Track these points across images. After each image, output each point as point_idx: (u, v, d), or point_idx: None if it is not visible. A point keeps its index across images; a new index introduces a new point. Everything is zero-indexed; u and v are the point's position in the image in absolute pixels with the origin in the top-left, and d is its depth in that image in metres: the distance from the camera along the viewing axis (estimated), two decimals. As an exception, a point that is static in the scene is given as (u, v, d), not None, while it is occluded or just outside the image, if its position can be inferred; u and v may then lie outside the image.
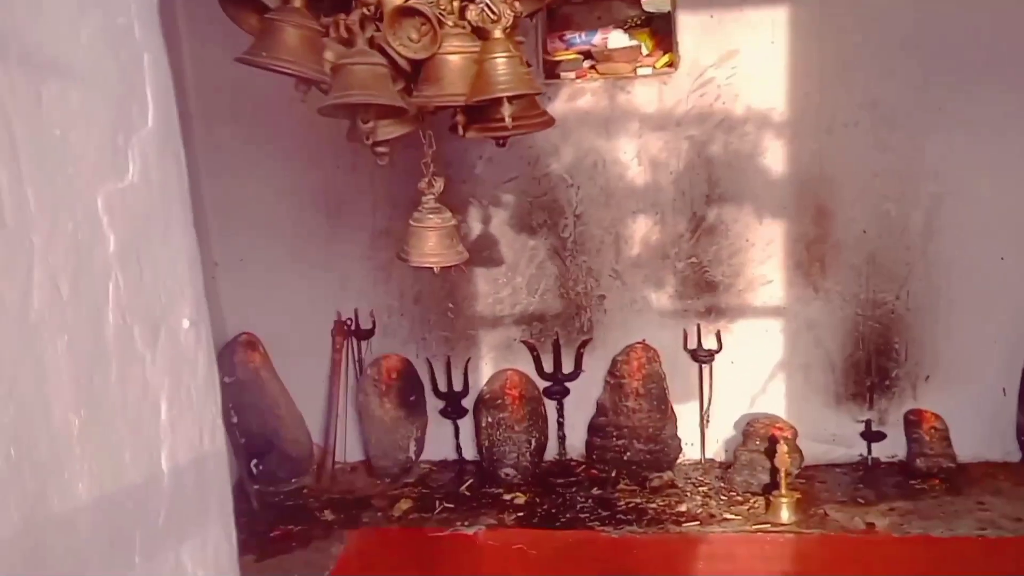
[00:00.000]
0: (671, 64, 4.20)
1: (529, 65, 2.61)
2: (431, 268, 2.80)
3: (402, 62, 2.53)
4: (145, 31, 1.08)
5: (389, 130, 2.69)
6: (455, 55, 2.49)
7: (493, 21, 2.43)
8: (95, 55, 1.00)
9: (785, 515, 4.00)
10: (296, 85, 2.55)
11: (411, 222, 2.78)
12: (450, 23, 2.48)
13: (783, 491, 4.03)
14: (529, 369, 4.54)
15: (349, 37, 2.53)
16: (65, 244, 0.93)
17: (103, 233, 1.00)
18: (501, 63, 2.40)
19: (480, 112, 2.59)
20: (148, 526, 1.06)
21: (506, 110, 2.43)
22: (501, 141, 2.76)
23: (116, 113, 1.03)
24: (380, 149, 2.72)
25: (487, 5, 2.42)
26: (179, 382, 1.13)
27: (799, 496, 4.09)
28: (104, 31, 1.01)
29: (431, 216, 2.75)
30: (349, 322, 4.58)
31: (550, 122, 2.79)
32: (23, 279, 0.87)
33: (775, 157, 4.20)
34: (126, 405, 1.03)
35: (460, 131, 2.67)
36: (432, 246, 2.75)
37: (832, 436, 4.42)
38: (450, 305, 4.54)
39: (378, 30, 2.51)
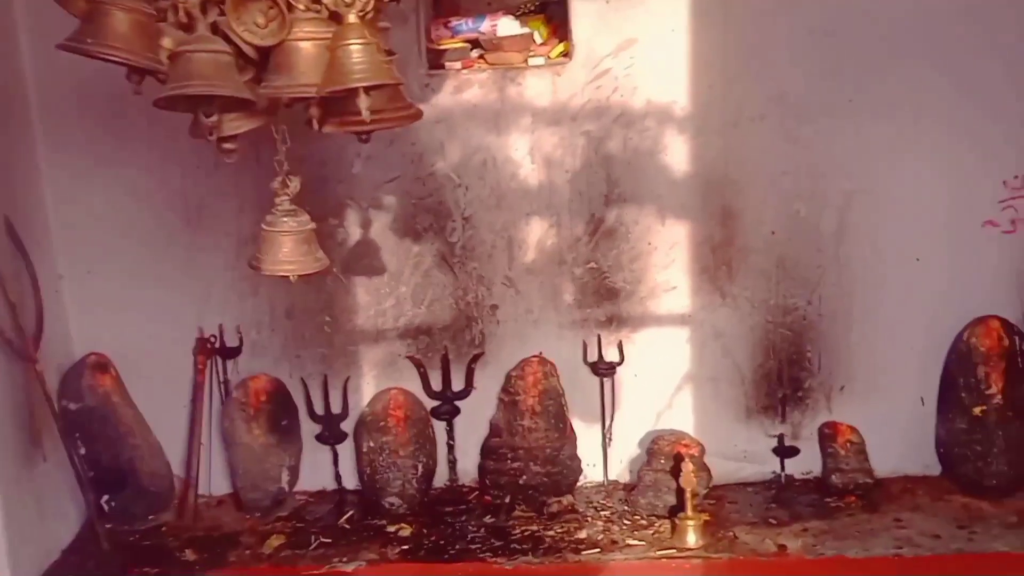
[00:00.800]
0: (566, 54, 4.23)
1: (390, 54, 2.60)
2: (286, 277, 2.76)
3: (248, 49, 2.48)
4: None
5: (236, 124, 2.64)
6: (307, 42, 2.45)
7: (347, 4, 2.41)
8: None
9: (692, 539, 4.06)
10: (127, 75, 2.49)
11: (263, 226, 2.74)
12: (301, 7, 2.44)
13: (690, 513, 4.08)
14: (415, 387, 4.53)
15: (189, 22, 2.48)
16: None
17: None
18: (356, 50, 2.37)
19: (337, 104, 2.56)
20: None
21: (362, 102, 2.40)
22: (363, 136, 2.73)
23: None
24: (227, 146, 2.67)
25: (340, -14, 2.41)
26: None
27: (707, 518, 4.15)
28: None
29: (285, 219, 2.71)
30: (213, 339, 4.50)
31: (417, 115, 2.78)
32: None
33: (677, 154, 4.26)
34: None
35: (315, 125, 2.64)
36: (287, 253, 2.71)
37: (742, 452, 4.50)
38: (327, 319, 4.50)
39: (221, 14, 2.46)
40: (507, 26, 4.26)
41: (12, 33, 4.12)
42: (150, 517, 4.47)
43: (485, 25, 4.26)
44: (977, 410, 4.27)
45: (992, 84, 4.10)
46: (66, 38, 2.42)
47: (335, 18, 2.48)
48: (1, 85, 4.08)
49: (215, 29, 2.48)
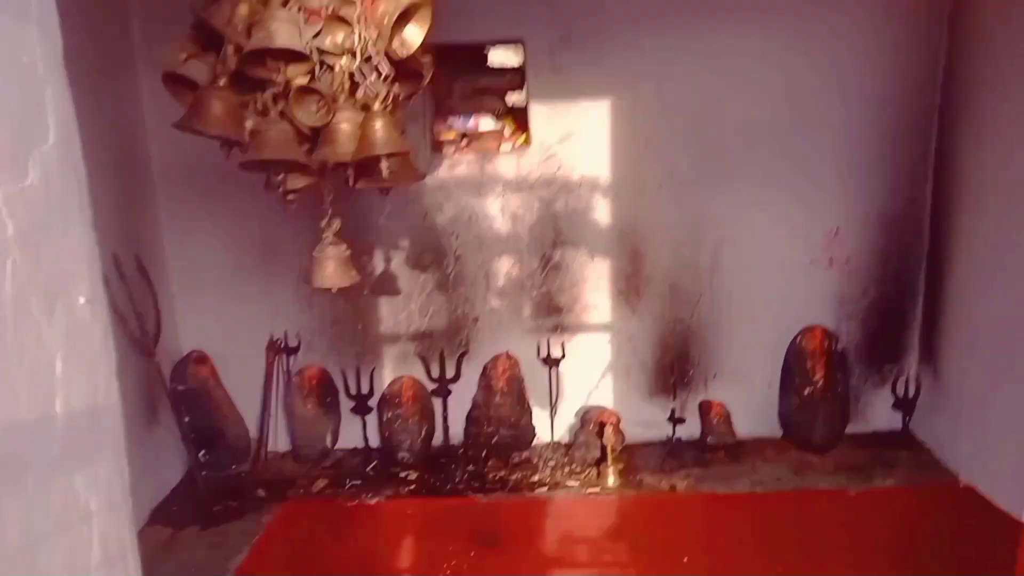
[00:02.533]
0: (526, 142, 4.26)
1: (402, 132, 2.62)
2: (330, 289, 2.76)
3: (305, 129, 2.51)
4: (48, 69, 1.04)
5: (296, 181, 2.66)
6: (346, 124, 2.48)
7: (373, 97, 2.43)
8: (-1, 83, 0.97)
9: (612, 481, 4.05)
10: (221, 146, 2.51)
11: (314, 253, 2.75)
12: (342, 99, 2.47)
13: (610, 463, 4.08)
14: (421, 375, 4.49)
15: (264, 110, 2.51)
16: (-36, 225, 0.89)
17: (2, 221, 0.95)
18: (379, 129, 2.40)
19: (366, 167, 2.58)
20: (42, 456, 1.01)
21: (383, 164, 2.43)
22: (384, 191, 2.75)
23: (17, 130, 0.99)
24: (290, 196, 2.69)
25: (369, 85, 2.43)
26: (75, 346, 1.08)
27: (622, 467, 4.14)
28: (7, 66, 0.98)
29: (330, 248, 2.72)
30: (280, 341, 4.45)
31: (421, 177, 2.80)
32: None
33: (602, 212, 4.28)
34: (22, 357, 0.98)
35: (351, 183, 2.65)
36: (330, 272, 2.71)
37: (647, 421, 4.47)
38: (359, 326, 4.47)
39: (287, 104, 2.49)
40: (486, 123, 4.29)
41: (140, 117, 4.10)
42: (233, 466, 4.39)
43: (471, 123, 4.30)
44: (806, 391, 4.28)
45: (815, 164, 4.15)
46: (179, 120, 2.44)
47: (366, 108, 2.51)
48: (132, 156, 4.06)
49: (282, 114, 2.51)
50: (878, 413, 4.42)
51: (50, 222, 1.05)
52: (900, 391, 4.35)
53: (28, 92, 1.02)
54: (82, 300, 1.10)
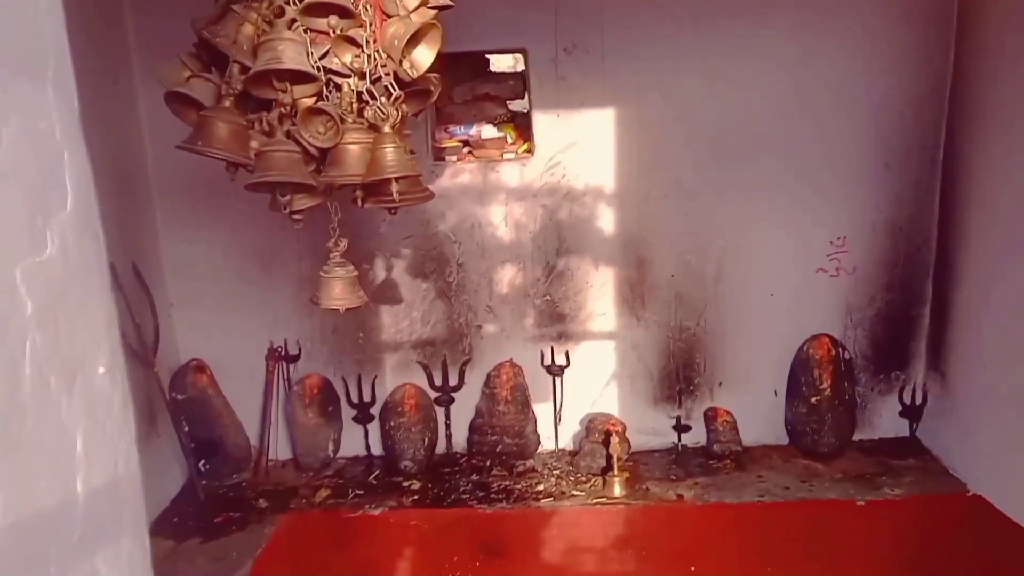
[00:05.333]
0: (529, 150, 4.22)
1: (412, 153, 2.56)
2: (337, 309, 2.71)
3: (312, 150, 2.45)
4: (65, 133, 0.99)
5: (303, 202, 2.60)
6: (354, 145, 2.42)
7: (383, 119, 2.38)
8: (15, 153, 0.91)
9: (618, 490, 4.02)
10: (226, 167, 2.45)
11: (321, 273, 2.69)
12: (350, 120, 2.41)
13: (616, 472, 4.04)
14: (423, 383, 4.45)
15: (270, 130, 2.44)
16: (-18, 312, 0.84)
17: (21, 300, 0.90)
18: (390, 151, 2.35)
19: (375, 188, 2.53)
20: (62, 543, 0.96)
21: (394, 187, 2.38)
22: (392, 210, 2.70)
23: (35, 200, 0.94)
24: (296, 217, 2.63)
25: (379, 107, 2.37)
26: (95, 420, 1.04)
27: (628, 476, 4.11)
28: (25, 133, 0.93)
29: (337, 269, 2.66)
30: (280, 349, 4.40)
31: (430, 196, 2.75)
32: (-61, 343, 0.78)
33: (606, 221, 4.24)
34: (42, 445, 0.93)
35: (359, 203, 2.60)
36: (338, 292, 2.66)
37: (652, 429, 4.45)
38: (361, 335, 4.42)
39: (293, 124, 2.43)
40: (488, 131, 4.25)
41: (137, 124, 4.05)
42: (234, 476, 4.35)
43: (473, 130, 4.25)
44: (813, 399, 4.26)
45: (820, 173, 4.12)
46: (183, 140, 2.38)
47: (374, 128, 2.45)
48: (131, 170, 4.01)
49: (288, 135, 2.45)
50: (885, 421, 4.40)
51: (69, 293, 1.00)
52: (907, 399, 4.34)
53: (46, 160, 0.97)
54: (101, 370, 1.06)
